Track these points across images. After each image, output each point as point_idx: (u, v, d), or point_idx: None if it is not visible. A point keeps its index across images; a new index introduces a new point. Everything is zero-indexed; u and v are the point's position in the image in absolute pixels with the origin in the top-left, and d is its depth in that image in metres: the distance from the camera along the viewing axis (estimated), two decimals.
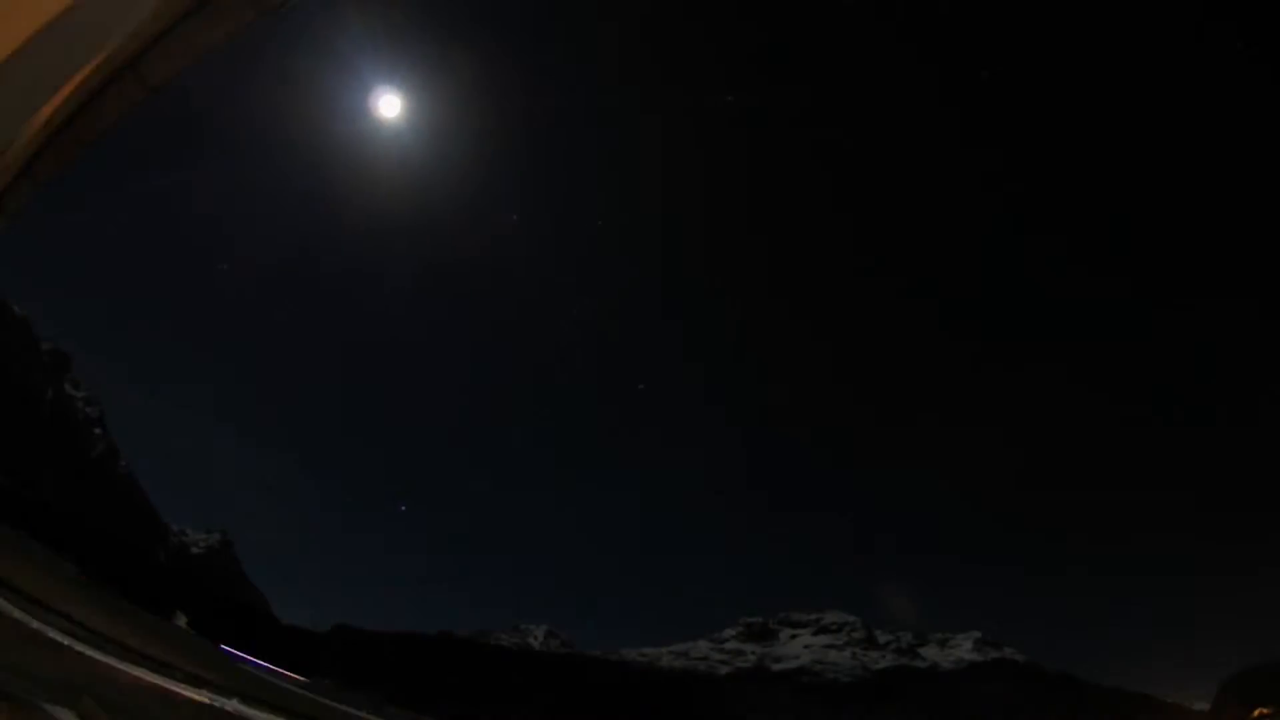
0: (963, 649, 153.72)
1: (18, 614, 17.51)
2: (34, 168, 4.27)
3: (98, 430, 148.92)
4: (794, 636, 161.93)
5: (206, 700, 18.93)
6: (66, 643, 17.24)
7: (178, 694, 18.16)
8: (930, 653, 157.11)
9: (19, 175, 4.24)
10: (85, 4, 3.34)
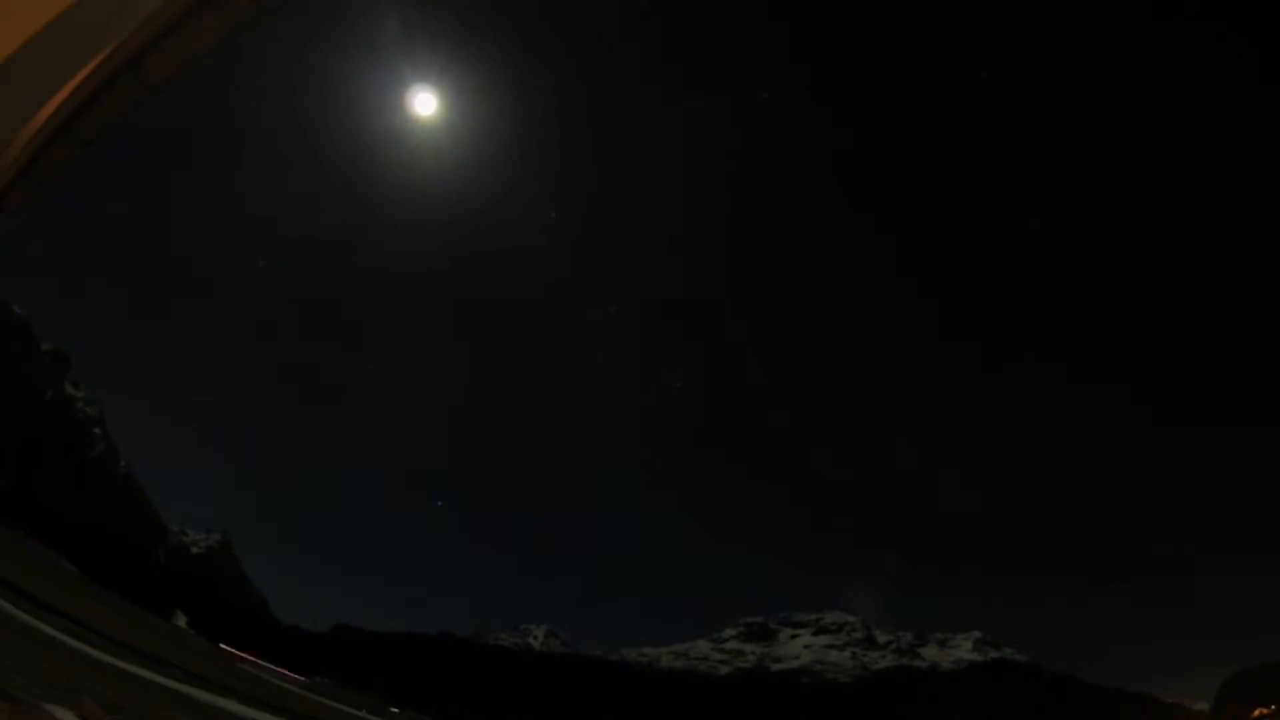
0: (963, 649, 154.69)
1: (18, 614, 17.58)
2: (34, 168, 4.27)
3: (98, 430, 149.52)
4: (794, 636, 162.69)
5: (207, 700, 19.01)
6: (67, 643, 17.31)
7: (178, 694, 18.21)
8: (930, 653, 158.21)
9: (19, 175, 4.24)
10: (85, 4, 3.34)
